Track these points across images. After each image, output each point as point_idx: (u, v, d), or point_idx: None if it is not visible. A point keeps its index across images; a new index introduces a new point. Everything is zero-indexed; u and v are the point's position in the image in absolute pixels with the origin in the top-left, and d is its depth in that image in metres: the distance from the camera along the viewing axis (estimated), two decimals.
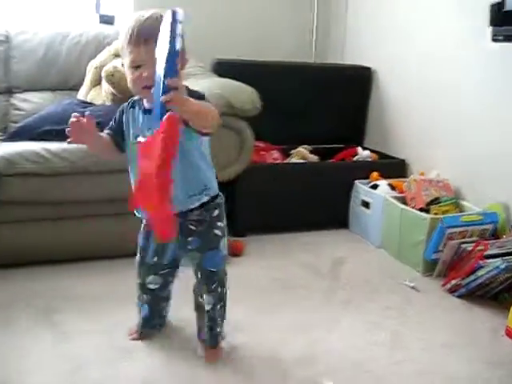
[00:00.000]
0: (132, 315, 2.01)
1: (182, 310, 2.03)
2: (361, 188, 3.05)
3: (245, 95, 2.58)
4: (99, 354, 1.85)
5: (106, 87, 2.66)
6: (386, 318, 2.18)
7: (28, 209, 2.38)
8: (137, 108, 1.72)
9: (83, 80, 3.00)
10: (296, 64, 3.63)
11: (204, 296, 1.85)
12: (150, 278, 1.91)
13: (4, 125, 2.95)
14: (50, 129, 2.46)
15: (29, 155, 2.32)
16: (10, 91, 3.04)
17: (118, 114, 1.78)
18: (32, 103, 2.99)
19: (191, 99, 1.47)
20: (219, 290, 1.84)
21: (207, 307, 1.85)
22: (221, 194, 1.84)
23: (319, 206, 3.08)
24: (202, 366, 1.82)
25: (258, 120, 2.67)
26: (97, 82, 2.87)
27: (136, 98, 1.74)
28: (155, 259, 1.88)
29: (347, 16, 3.81)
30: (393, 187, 2.97)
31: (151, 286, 1.92)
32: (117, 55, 2.82)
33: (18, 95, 3.03)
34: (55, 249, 2.47)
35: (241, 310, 2.17)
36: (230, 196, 2.80)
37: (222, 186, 2.59)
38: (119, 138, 1.75)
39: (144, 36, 1.56)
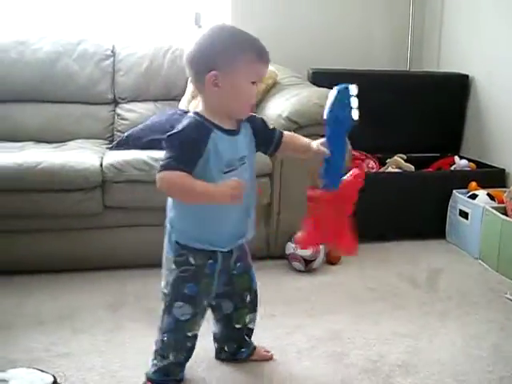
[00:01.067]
0: None
1: None
2: (459, 198, 2.99)
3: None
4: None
5: None
6: (487, 331, 2.14)
7: (133, 214, 2.50)
8: (219, 133, 1.56)
9: (184, 91, 3.11)
10: (391, 72, 3.62)
11: (249, 316, 1.85)
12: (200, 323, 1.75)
13: (110, 133, 3.12)
14: (155, 138, 2.57)
15: (136, 163, 2.45)
16: (115, 102, 3.22)
17: (190, 145, 1.53)
18: (136, 113, 3.14)
19: None
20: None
21: (253, 325, 1.87)
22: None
23: (416, 215, 3.05)
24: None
25: (353, 129, 2.67)
26: (197, 93, 2.96)
27: (207, 121, 1.58)
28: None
29: (443, 22, 3.75)
30: (492, 197, 2.90)
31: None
32: None
33: (123, 105, 3.20)
34: (160, 253, 2.57)
35: (338, 318, 2.19)
36: None
37: None
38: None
39: None
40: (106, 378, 1.79)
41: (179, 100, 3.13)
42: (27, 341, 1.99)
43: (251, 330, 1.89)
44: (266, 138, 1.71)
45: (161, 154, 2.42)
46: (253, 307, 1.86)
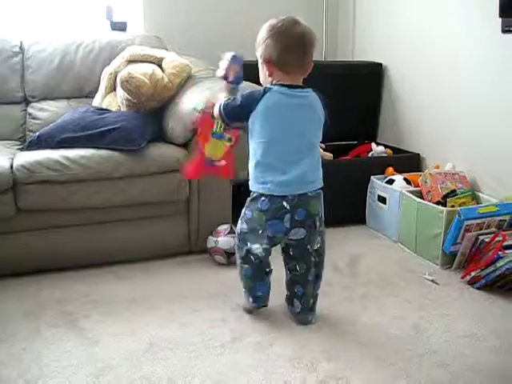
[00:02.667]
0: (158, 317, 2.07)
1: None
2: (377, 183, 3.06)
3: None
4: (126, 357, 1.88)
5: (121, 93, 2.69)
6: (407, 311, 2.20)
7: (49, 216, 2.42)
8: None
9: (98, 87, 3.04)
10: None
11: None
12: None
13: (22, 134, 3.00)
14: (68, 136, 2.49)
15: (48, 163, 2.37)
16: (26, 100, 3.09)
17: None
18: (48, 112, 3.03)
19: None
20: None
21: None
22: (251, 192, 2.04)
23: (336, 203, 3.07)
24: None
25: None
26: (111, 89, 2.91)
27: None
28: None
29: (356, 12, 3.82)
30: (408, 181, 2.98)
31: None
32: (131, 61, 2.86)
33: (34, 104, 3.08)
34: (79, 255, 2.51)
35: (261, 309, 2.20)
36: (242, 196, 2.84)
37: (240, 185, 2.65)
38: None
39: None
40: None
41: (92, 97, 3.05)
42: None
43: None
44: None
45: (73, 153, 2.41)
46: None
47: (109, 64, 3.04)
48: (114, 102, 2.81)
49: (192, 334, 2.03)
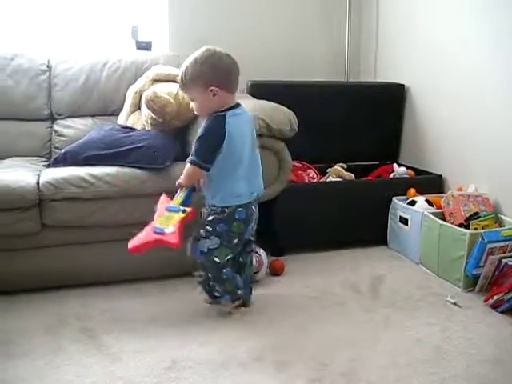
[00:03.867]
0: (178, 336, 2.07)
1: None
2: (398, 205, 3.05)
3: (282, 116, 2.62)
4: (147, 375, 1.89)
5: (146, 112, 2.73)
6: (429, 334, 2.18)
7: (73, 232, 2.45)
8: None
9: (122, 106, 3.08)
10: (329, 83, 3.67)
11: None
12: None
13: (47, 150, 3.05)
14: (93, 154, 2.53)
15: (74, 180, 2.40)
16: (52, 118, 3.15)
17: None
18: (74, 129, 3.08)
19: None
20: (205, 272, 2.29)
21: None
22: (226, 211, 2.21)
23: (357, 223, 3.10)
24: None
25: (293, 139, 2.70)
26: (136, 107, 2.94)
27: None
28: None
29: (378, 34, 3.84)
30: (430, 203, 2.97)
31: None
32: (156, 80, 2.90)
33: (60, 121, 3.13)
34: (102, 271, 2.54)
35: (282, 329, 2.20)
36: (269, 215, 2.85)
37: (262, 205, 2.65)
38: None
39: None
40: None
41: (117, 115, 3.10)
42: None
43: None
44: None
45: (98, 170, 2.44)
46: None
47: (134, 83, 3.09)
48: (139, 120, 2.85)
49: (212, 352, 2.03)
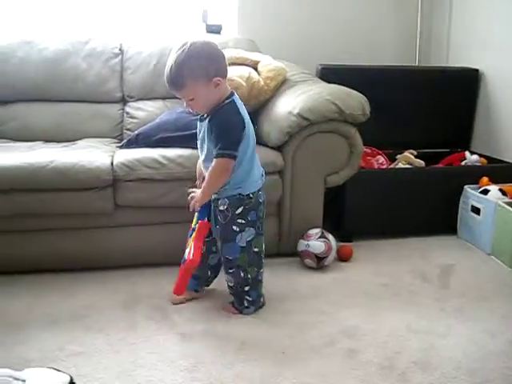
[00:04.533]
0: (247, 318, 2.10)
1: None
2: (471, 193, 2.97)
3: (355, 101, 2.58)
4: (218, 355, 1.91)
5: None
6: (502, 326, 2.12)
7: (145, 213, 2.50)
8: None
9: None
10: (401, 68, 3.61)
11: (225, 274, 2.22)
12: None
13: (119, 132, 3.11)
14: (166, 136, 2.56)
15: (147, 161, 2.44)
16: (124, 100, 3.20)
17: None
18: (145, 111, 3.13)
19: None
20: (241, 274, 2.16)
21: (229, 283, 2.21)
22: (252, 197, 2.12)
23: (426, 211, 3.04)
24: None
25: (363, 125, 2.66)
26: None
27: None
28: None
29: (452, 16, 3.73)
30: (504, 192, 2.88)
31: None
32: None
33: (131, 104, 3.18)
34: (170, 252, 2.55)
35: (352, 315, 2.18)
36: (338, 201, 2.83)
37: (331, 190, 2.63)
38: None
39: None
40: (121, 377, 1.78)
41: None
42: (41, 340, 1.99)
43: None
44: (214, 140, 2.04)
45: (171, 152, 2.48)
46: None
47: None
48: None
49: (282, 336, 2.03)
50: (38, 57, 3.11)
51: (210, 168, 2.06)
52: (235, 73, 2.69)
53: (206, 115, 2.08)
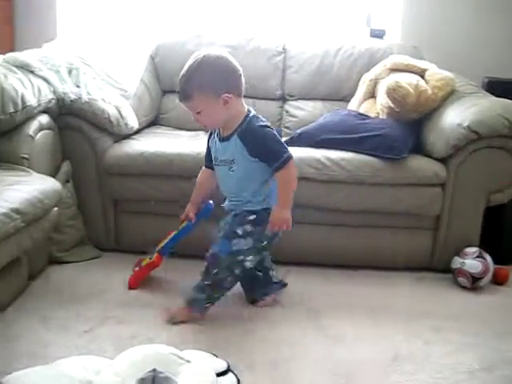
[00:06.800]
0: (400, 330, 2.07)
1: None
2: None
3: None
4: (370, 364, 1.89)
5: (383, 101, 2.70)
6: None
7: (301, 211, 2.49)
8: (215, 135, 2.11)
9: (353, 91, 3.09)
10: None
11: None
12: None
13: (277, 129, 3.15)
14: (329, 137, 2.57)
15: (310, 161, 2.46)
16: (283, 98, 3.26)
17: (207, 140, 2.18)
18: (304, 111, 3.16)
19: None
20: (212, 271, 2.06)
21: (200, 273, 2.10)
22: (260, 213, 2.07)
23: None
24: None
25: None
26: (370, 95, 2.94)
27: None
28: None
29: None
30: None
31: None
32: (393, 70, 2.86)
33: (291, 102, 3.23)
34: (320, 253, 2.59)
35: (508, 342, 2.08)
36: (497, 221, 2.70)
37: (490, 210, 2.52)
38: (210, 162, 2.17)
39: None
40: (272, 371, 1.81)
41: (347, 101, 3.12)
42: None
43: None
44: (260, 158, 2.02)
45: (334, 154, 2.48)
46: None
47: (366, 70, 3.08)
48: (373, 108, 2.84)
49: (437, 354, 1.97)
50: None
51: (280, 179, 2.02)
52: (404, 80, 2.65)
53: (227, 135, 2.05)
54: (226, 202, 2.17)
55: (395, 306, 2.30)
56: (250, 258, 2.08)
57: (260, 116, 2.09)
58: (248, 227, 2.06)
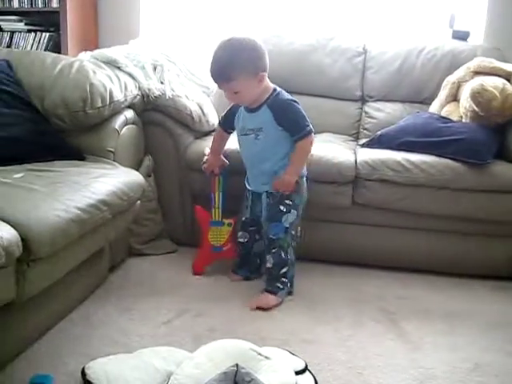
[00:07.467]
0: (479, 339, 2.01)
1: None
2: None
3: None
4: (450, 371, 1.85)
5: (466, 104, 2.64)
6: None
7: (380, 214, 2.50)
8: (242, 107, 2.24)
9: (434, 94, 3.03)
10: None
11: (266, 255, 2.26)
12: (240, 233, 2.39)
13: (355, 130, 3.15)
14: (410, 140, 2.53)
15: (390, 163, 2.44)
16: (363, 99, 3.23)
17: (233, 105, 2.30)
18: (384, 113, 3.13)
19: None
20: (282, 254, 2.22)
21: (268, 265, 2.25)
22: (300, 180, 2.24)
23: None
24: None
25: None
26: (453, 98, 2.87)
27: None
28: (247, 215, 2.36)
29: None
30: None
31: (241, 240, 2.39)
32: (477, 72, 2.79)
33: (370, 104, 3.20)
34: (396, 256, 2.56)
35: None
36: None
37: None
38: (228, 126, 2.35)
39: None
40: (351, 374, 1.80)
41: (427, 103, 3.07)
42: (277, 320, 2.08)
43: None
44: (285, 127, 2.17)
45: (415, 157, 2.44)
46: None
47: (449, 72, 3.01)
48: (456, 111, 2.77)
49: None
50: (285, 49, 3.25)
51: (298, 149, 2.16)
52: (489, 83, 2.58)
53: (256, 106, 2.18)
54: (252, 184, 2.32)
55: (474, 314, 2.25)
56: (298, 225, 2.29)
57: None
58: (287, 201, 2.21)
